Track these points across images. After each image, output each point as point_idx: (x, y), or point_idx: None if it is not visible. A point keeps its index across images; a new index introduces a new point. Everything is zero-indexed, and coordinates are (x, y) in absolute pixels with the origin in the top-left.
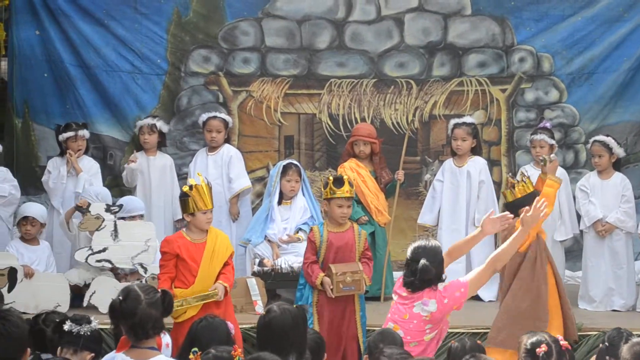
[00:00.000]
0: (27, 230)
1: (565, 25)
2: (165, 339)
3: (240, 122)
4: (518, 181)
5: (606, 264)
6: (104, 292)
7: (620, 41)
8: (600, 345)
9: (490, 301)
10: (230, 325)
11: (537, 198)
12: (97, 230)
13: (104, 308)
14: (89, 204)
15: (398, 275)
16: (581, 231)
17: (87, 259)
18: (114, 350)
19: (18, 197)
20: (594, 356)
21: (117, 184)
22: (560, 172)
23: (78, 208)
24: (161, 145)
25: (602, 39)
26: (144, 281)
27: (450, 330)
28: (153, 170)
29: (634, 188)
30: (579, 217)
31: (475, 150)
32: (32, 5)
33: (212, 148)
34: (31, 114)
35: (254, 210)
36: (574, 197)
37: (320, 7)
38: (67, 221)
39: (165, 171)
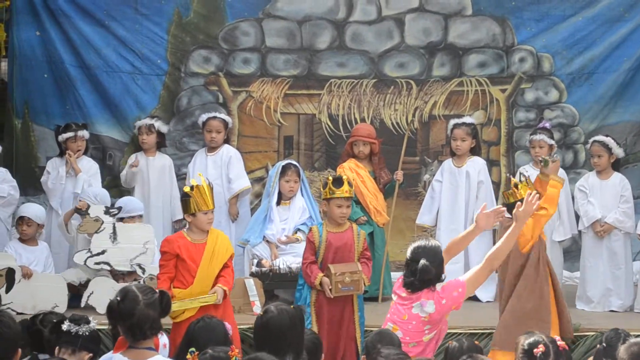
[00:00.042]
0: (24, 230)
1: (565, 25)
2: (163, 339)
3: (240, 122)
4: (521, 181)
5: (604, 265)
6: (102, 293)
7: (620, 41)
8: (598, 345)
9: (488, 302)
10: (227, 325)
11: (535, 194)
12: (96, 232)
13: (101, 309)
14: (88, 207)
15: (396, 275)
16: (579, 231)
17: (85, 261)
18: (112, 351)
19: (17, 198)
20: (591, 357)
21: (116, 185)
22: (560, 172)
23: (77, 210)
24: (161, 145)
25: (602, 39)
26: (141, 282)
27: (448, 331)
28: (152, 170)
29: (633, 188)
30: (577, 217)
31: (474, 151)
32: (33, 6)
33: (212, 148)
34: (31, 115)
35: (253, 210)
36: (573, 198)
37: (321, 8)
38: (66, 223)
39: (164, 172)
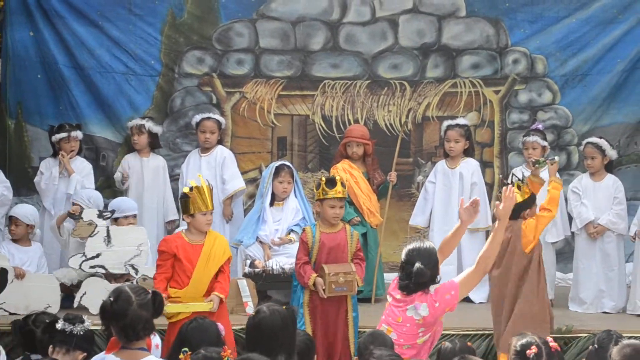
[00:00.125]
0: (12, 230)
1: (559, 27)
2: (155, 339)
3: (234, 123)
4: (522, 182)
5: (597, 266)
6: (95, 293)
7: (614, 43)
8: (590, 347)
9: (480, 303)
10: (220, 326)
11: (511, 188)
12: (90, 236)
13: (94, 309)
14: (82, 211)
15: (389, 276)
16: (572, 233)
17: (80, 265)
18: (104, 351)
19: (10, 198)
20: (584, 358)
21: (109, 185)
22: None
23: (70, 215)
24: (154, 146)
25: (596, 41)
26: (134, 282)
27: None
28: (146, 171)
29: (626, 190)
30: (570, 218)
31: (467, 152)
32: (27, 7)
33: (205, 149)
34: (24, 115)
35: (246, 211)
36: (566, 199)
37: (315, 9)
38: (58, 226)
39: (158, 172)
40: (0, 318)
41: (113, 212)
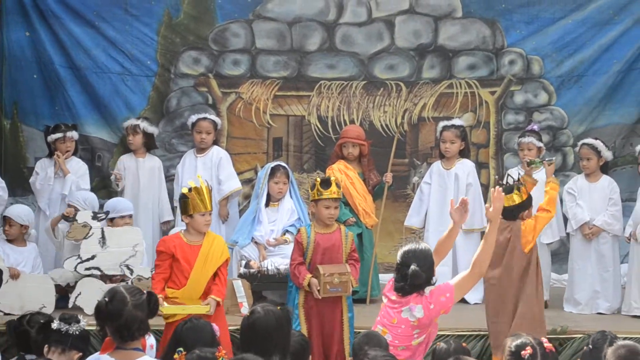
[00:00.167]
0: (6, 230)
1: (555, 28)
2: (150, 340)
3: (229, 123)
4: (521, 183)
5: (592, 267)
6: (90, 294)
7: (610, 44)
8: (585, 348)
9: (475, 304)
10: (215, 327)
11: (499, 190)
12: (84, 238)
13: (89, 309)
14: (76, 213)
15: (384, 277)
16: (568, 234)
17: (76, 267)
18: (99, 352)
19: (5, 199)
20: (578, 359)
21: (104, 186)
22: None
23: (65, 217)
24: (150, 147)
25: (592, 42)
26: (129, 282)
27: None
28: (142, 172)
29: (621, 191)
30: (565, 219)
31: (463, 153)
32: (23, 7)
33: (201, 150)
34: (20, 115)
35: (242, 212)
36: (561, 200)
37: (311, 9)
38: (53, 228)
39: (153, 173)
40: None
41: (107, 213)
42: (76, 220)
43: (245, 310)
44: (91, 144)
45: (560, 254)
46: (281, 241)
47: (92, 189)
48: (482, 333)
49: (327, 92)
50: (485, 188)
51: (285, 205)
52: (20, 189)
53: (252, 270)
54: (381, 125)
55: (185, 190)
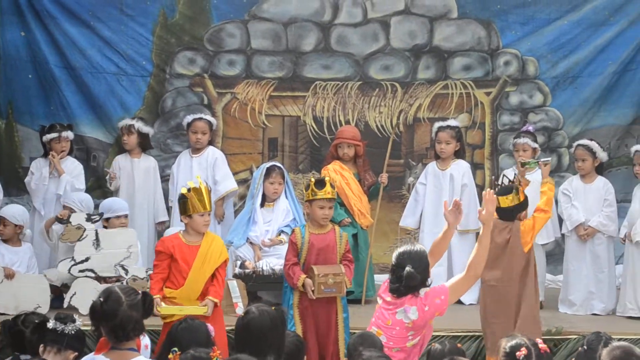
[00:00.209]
0: (0, 230)
1: (551, 29)
2: (145, 340)
3: (225, 124)
4: (519, 183)
5: (587, 268)
6: (85, 294)
7: (605, 45)
8: (579, 348)
9: (470, 304)
10: (210, 327)
11: (491, 192)
12: (78, 240)
13: (84, 309)
14: (69, 215)
15: (379, 278)
16: (563, 235)
17: (69, 269)
18: (93, 352)
19: (0, 199)
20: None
21: (99, 186)
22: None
23: (58, 219)
24: (145, 147)
25: (587, 43)
26: (124, 283)
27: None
28: (137, 172)
29: (616, 192)
30: (560, 220)
31: (458, 154)
32: (18, 7)
33: (196, 150)
34: (15, 115)
35: (237, 212)
36: (556, 201)
37: (307, 10)
38: (47, 230)
39: (149, 173)
40: None
41: (101, 215)
42: (70, 222)
43: (240, 310)
44: (86, 144)
45: (555, 255)
46: (276, 241)
47: (87, 189)
48: (477, 334)
49: (323, 92)
50: (480, 189)
51: (280, 206)
52: (15, 189)
53: (247, 271)
54: (376, 126)
55: (184, 191)
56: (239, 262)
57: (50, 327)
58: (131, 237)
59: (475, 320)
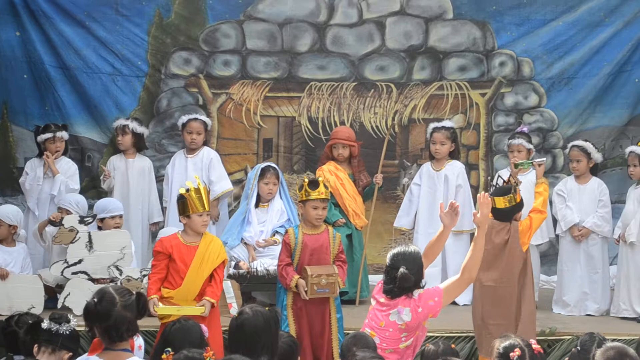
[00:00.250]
0: None
1: (546, 30)
2: (138, 341)
3: (220, 124)
4: (515, 184)
5: (582, 269)
6: (79, 294)
7: (600, 46)
8: (573, 349)
9: (465, 305)
10: (204, 328)
11: (485, 195)
12: (71, 242)
13: (78, 310)
14: (62, 218)
15: (374, 278)
16: (557, 235)
17: (62, 272)
18: (87, 353)
19: None
20: None
21: (94, 186)
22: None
23: (51, 222)
24: (140, 147)
25: (582, 44)
26: (118, 283)
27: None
28: (132, 172)
29: (610, 193)
30: (555, 221)
31: (453, 155)
32: (13, 6)
33: (191, 150)
34: (10, 115)
35: (231, 213)
36: (551, 202)
37: (302, 10)
38: (40, 232)
39: (143, 174)
40: None
41: (95, 217)
42: (62, 224)
43: (234, 311)
44: (81, 144)
45: (549, 256)
46: (271, 242)
47: (82, 190)
48: (470, 334)
49: (318, 93)
50: (475, 189)
51: (275, 206)
52: (10, 189)
53: (241, 271)
54: (371, 127)
55: (182, 191)
56: (233, 263)
57: (45, 327)
58: (124, 238)
59: (469, 320)
